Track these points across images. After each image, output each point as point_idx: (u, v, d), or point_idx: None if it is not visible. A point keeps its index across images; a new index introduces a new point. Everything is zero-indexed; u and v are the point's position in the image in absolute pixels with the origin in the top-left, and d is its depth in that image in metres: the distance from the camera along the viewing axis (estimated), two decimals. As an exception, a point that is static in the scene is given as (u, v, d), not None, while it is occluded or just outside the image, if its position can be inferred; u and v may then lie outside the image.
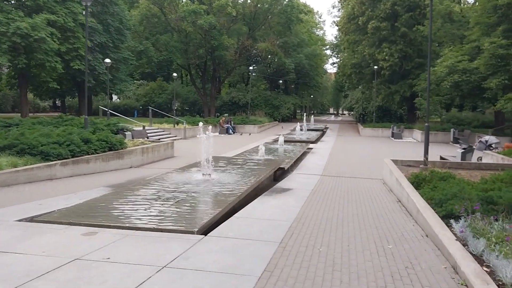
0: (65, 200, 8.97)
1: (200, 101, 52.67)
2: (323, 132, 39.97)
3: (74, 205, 8.12)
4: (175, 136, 29.77)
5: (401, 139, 34.23)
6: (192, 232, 6.39)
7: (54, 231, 6.35)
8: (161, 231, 6.47)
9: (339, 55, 64.98)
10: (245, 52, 50.57)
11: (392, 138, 35.00)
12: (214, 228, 6.90)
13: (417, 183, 10.14)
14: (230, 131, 35.78)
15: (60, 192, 10.31)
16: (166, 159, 19.01)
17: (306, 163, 17.91)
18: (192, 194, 8.82)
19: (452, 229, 6.44)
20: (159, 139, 22.89)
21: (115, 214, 7.36)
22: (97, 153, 14.59)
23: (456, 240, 5.79)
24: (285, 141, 26.02)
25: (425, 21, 35.20)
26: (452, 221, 6.69)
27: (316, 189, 11.49)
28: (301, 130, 33.89)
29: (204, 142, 11.53)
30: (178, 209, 7.59)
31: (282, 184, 12.38)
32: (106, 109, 27.98)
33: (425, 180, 10.11)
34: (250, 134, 35.04)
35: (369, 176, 14.76)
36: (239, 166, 13.58)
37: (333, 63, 78.86)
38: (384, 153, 23.25)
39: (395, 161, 14.31)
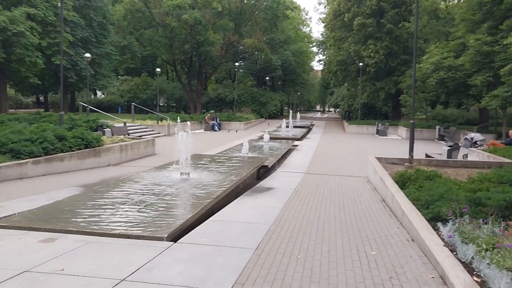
0: (31, 201, 8.42)
1: (186, 98, 51.99)
2: (309, 129, 39.64)
3: (39, 207, 7.59)
4: (159, 133, 29.17)
5: (386, 136, 34.03)
6: (161, 239, 5.92)
7: (9, 238, 5.82)
8: (128, 237, 5.99)
9: (325, 52, 64.71)
10: (232, 48, 50.00)
11: (377, 135, 34.79)
12: (187, 233, 6.44)
13: (402, 182, 9.78)
14: (216, 128, 35.24)
15: (28, 192, 9.75)
16: (146, 156, 18.46)
17: (290, 161, 17.51)
18: (167, 196, 8.33)
19: (440, 233, 6.06)
20: (140, 136, 22.30)
21: (81, 217, 6.85)
22: (72, 151, 14.00)
23: (444, 246, 5.41)
24: (271, 138, 25.60)
25: (411, 17, 34.97)
26: (439, 224, 6.31)
27: (298, 189, 11.07)
28: (287, 127, 33.48)
29: (182, 139, 11.03)
30: (149, 213, 7.10)
31: (264, 183, 11.94)
32: (86, 105, 27.25)
33: (410, 179, 9.75)
34: (236, 131, 34.53)
35: (353, 174, 14.40)
36: (220, 164, 13.12)
37: (320, 60, 78.53)
38: (369, 150, 22.93)
39: (379, 159, 13.96)
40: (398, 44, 39.03)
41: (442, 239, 5.76)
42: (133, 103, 31.89)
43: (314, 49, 79.63)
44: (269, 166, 14.70)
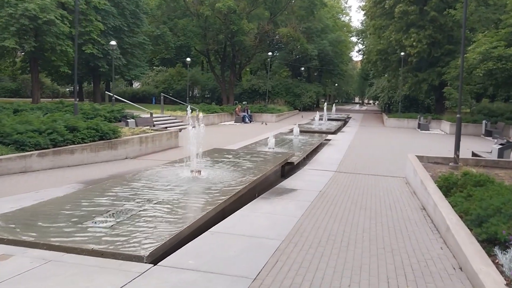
0: (16, 201, 7.46)
1: (219, 89, 51.08)
2: (345, 122, 37.88)
3: (19, 209, 6.60)
4: (187, 125, 28.20)
5: (428, 130, 31.93)
6: (140, 259, 4.77)
7: (-44, 253, 4.82)
8: (102, 255, 4.88)
9: (364, 42, 62.27)
10: (266, 38, 48.57)
11: (418, 130, 32.72)
12: (179, 248, 5.29)
13: (447, 187, 8.28)
14: (247, 119, 34.07)
15: (22, 189, 8.85)
16: (168, 149, 17.49)
17: (320, 157, 16.12)
18: (164, 201, 7.18)
19: (498, 262, 4.64)
20: (166, 127, 21.38)
21: (59, 224, 5.81)
22: (85, 143, 13.12)
23: (507, 286, 4.00)
24: (302, 132, 24.17)
25: (456, 4, 32.55)
26: (496, 250, 4.87)
27: (325, 191, 9.73)
28: (321, 119, 31.91)
29: (193, 133, 9.87)
30: (139, 222, 5.97)
31: (287, 183, 10.66)
32: (111, 95, 26.63)
33: (456, 184, 8.24)
34: (265, 123, 33.21)
35: (390, 173, 12.91)
36: (240, 160, 11.90)
37: (359, 51, 75.89)
38: (409, 146, 21.22)
39: (420, 157, 12.41)
40: (442, 33, 36.55)
41: (502, 273, 4.35)
42: (162, 94, 31.11)
43: (354, 39, 77.17)
44: (295, 163, 13.37)
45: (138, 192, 7.68)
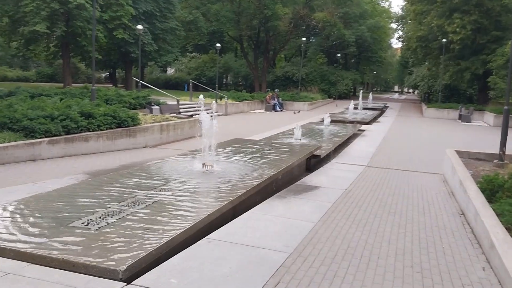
0: (8, 194, 6.86)
1: (252, 76, 50.17)
2: (381, 111, 36.30)
3: (2, 206, 5.96)
4: (216, 112, 27.48)
5: (470, 122, 30.09)
6: (115, 274, 4.00)
7: None
8: (73, 267, 4.15)
9: (404, 28, 59.73)
10: (301, 23, 47.16)
11: (459, 121, 30.91)
12: (170, 258, 4.51)
13: (491, 191, 7.17)
14: (277, 108, 33.08)
15: (20, 179, 8.29)
16: (191, 138, 16.78)
17: (351, 150, 15.04)
18: (168, 198, 6.39)
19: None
20: (191, 115, 20.72)
21: (40, 224, 5.12)
22: (101, 130, 12.55)
23: None
24: (334, 121, 23.04)
25: (506, -13, 30.34)
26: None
27: (351, 189, 8.74)
28: (355, 109, 30.60)
29: (207, 122, 9.05)
30: (130, 225, 5.21)
31: (309, 179, 9.72)
32: (138, 80, 26.20)
33: (503, 187, 7.11)
34: (295, 112, 32.10)
35: (427, 170, 11.77)
36: (260, 152, 11.02)
37: (399, 37, 73.09)
38: (449, 138, 19.82)
39: (460, 153, 11.22)
40: (489, 18, 34.25)
41: None
42: (191, 80, 30.48)
43: (393, 25, 74.37)
44: (322, 156, 12.39)
45: (152, 182, 6.95)
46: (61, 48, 33.14)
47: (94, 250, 4.46)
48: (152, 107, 19.55)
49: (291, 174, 10.63)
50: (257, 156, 10.36)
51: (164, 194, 6.52)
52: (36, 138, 10.56)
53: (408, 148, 16.16)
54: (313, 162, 12.68)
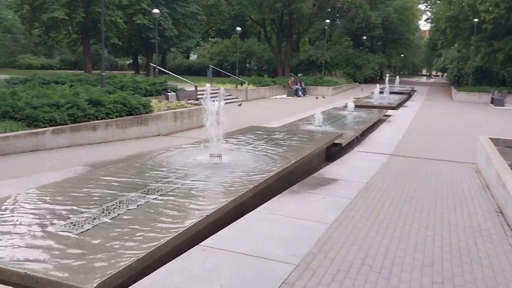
0: (-5, 190, 6.33)
1: (275, 60, 49.12)
2: (408, 95, 34.90)
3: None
4: (236, 98, 26.85)
5: (503, 106, 28.53)
6: (80, 293, 3.35)
7: None
8: (35, 283, 3.51)
9: (433, 9, 57.49)
10: (325, 5, 45.73)
11: (492, 105, 29.36)
12: (159, 268, 3.86)
13: (535, 186, 6.25)
14: (300, 93, 32.10)
15: (16, 172, 7.75)
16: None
17: (375, 137, 14.15)
18: (164, 196, 5.72)
19: None
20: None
21: (18, 227, 4.52)
22: (110, 118, 11.99)
23: None
24: (359, 107, 22.08)
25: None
26: None
27: (373, 182, 7.92)
28: (381, 93, 29.38)
29: (212, 111, 8.32)
30: (117, 230, 4.56)
31: (328, 169, 8.93)
32: (155, 66, 25.65)
33: (548, 181, 6.19)
34: (322, 96, 31.10)
35: (457, 158, 10.82)
36: (276, 141, 10.24)
37: (427, 19, 70.53)
38: (481, 124, 18.65)
39: (495, 140, 10.20)
40: (525, -5, 32.32)
41: None
42: (211, 65, 29.79)
43: (422, 7, 71.74)
44: (343, 145, 11.54)
45: (132, 185, 6.29)
46: (81, 35, 32.85)
47: (66, 261, 3.82)
48: (168, 93, 18.94)
49: (310, 164, 9.87)
50: (272, 146, 9.59)
51: (159, 192, 5.84)
52: (40, 127, 10.06)
53: (437, 134, 15.13)
54: (334, 151, 11.87)
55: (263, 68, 54.52)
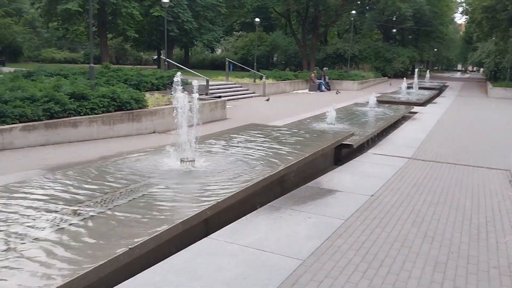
0: None
1: (300, 54, 47.45)
2: (439, 91, 32.73)
3: None
4: (253, 93, 25.51)
5: (545, 103, 26.21)
6: None
7: None
8: None
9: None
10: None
11: (532, 102, 27.06)
12: None
13: None
14: (323, 87, 30.47)
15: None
16: (212, 122, 14.88)
17: (395, 136, 12.60)
18: (105, 211, 4.47)
19: None
20: (219, 97, 18.78)
21: None
22: (95, 113, 10.87)
23: None
24: (383, 102, 20.46)
25: None
26: None
27: (379, 194, 6.48)
28: (410, 88, 27.49)
29: (183, 106, 7.02)
30: (27, 261, 3.34)
31: (329, 177, 7.53)
32: (164, 58, 24.58)
33: None
34: (339, 91, 29.38)
35: (488, 164, 9.22)
36: (274, 142, 8.84)
37: (462, 11, 67.28)
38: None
39: (536, 144, 8.54)
40: None
41: None
42: (227, 59, 28.56)
43: (457, -2, 68.44)
44: (355, 146, 10.05)
45: (105, 185, 5.08)
46: (98, 28, 32.16)
47: None
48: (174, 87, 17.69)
49: (313, 168, 8.48)
50: (266, 148, 8.21)
51: (96, 209, 4.58)
52: (7, 123, 8.98)
53: (466, 135, 13.42)
54: (345, 153, 10.43)
55: (288, 62, 52.89)
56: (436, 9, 52.80)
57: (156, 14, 31.63)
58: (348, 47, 45.93)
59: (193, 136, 6.99)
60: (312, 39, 45.98)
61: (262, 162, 7.01)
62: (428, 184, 7.33)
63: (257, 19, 32.19)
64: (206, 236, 4.61)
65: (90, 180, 5.74)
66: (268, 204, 5.74)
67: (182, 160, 6.66)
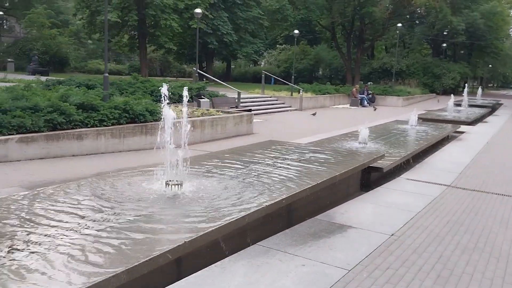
0: None
1: (345, 68, 46.07)
2: (491, 109, 30.47)
3: None
4: (289, 107, 24.52)
5: None
6: None
7: None
8: None
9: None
10: (400, 9, 41.98)
11: None
12: None
13: None
14: (365, 102, 29.01)
15: None
16: (236, 136, 14.02)
17: (435, 159, 11.20)
18: (50, 249, 3.60)
19: None
20: (249, 110, 17.88)
21: None
22: (105, 126, 10.19)
23: None
24: (427, 120, 18.96)
25: None
26: None
27: (402, 234, 5.30)
28: (458, 105, 25.63)
29: (169, 122, 6.07)
30: None
31: (345, 208, 6.41)
32: (195, 69, 24.05)
33: None
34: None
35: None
36: (285, 164, 7.72)
37: (521, 25, 63.70)
38: None
39: None
40: None
41: None
42: (264, 72, 27.78)
43: (514, 12, 64.89)
44: (385, 170, 8.80)
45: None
46: (138, 39, 32.21)
47: None
48: (201, 100, 16.99)
49: (332, 196, 7.34)
50: (276, 169, 7.12)
51: (38, 244, 3.69)
52: (3, 134, 8.40)
53: (520, 159, 11.83)
54: (375, 177, 9.22)
55: (332, 76, 51.58)
56: (491, 23, 50.00)
57: (195, 26, 31.27)
58: (394, 61, 44.17)
59: (184, 154, 6.02)
60: (357, 53, 44.56)
61: (267, 187, 5.94)
62: (466, 221, 6.04)
63: (296, 31, 31.27)
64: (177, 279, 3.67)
65: (50, 204, 4.88)
66: (257, 243, 4.69)
67: (167, 183, 5.71)
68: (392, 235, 5.27)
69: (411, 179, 8.74)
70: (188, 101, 17.59)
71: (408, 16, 48.35)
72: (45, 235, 3.94)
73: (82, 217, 4.48)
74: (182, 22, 30.67)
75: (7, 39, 50.48)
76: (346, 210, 6.24)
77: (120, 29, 30.26)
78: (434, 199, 7.15)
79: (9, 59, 35.06)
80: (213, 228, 4.30)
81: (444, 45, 47.67)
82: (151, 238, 4.02)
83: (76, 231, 4.08)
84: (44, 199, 5.05)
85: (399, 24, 36.37)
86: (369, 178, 9.13)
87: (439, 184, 8.31)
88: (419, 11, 44.90)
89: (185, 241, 3.94)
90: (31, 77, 22.60)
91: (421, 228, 5.63)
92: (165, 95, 5.89)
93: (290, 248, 4.57)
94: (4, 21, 48.82)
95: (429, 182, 8.47)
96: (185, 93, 6.18)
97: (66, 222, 4.31)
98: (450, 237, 5.32)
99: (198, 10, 22.91)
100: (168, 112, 5.89)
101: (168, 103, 6.12)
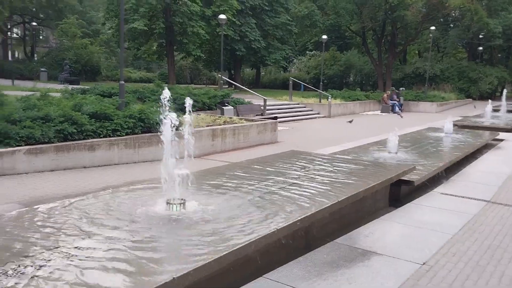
0: None
1: (376, 73, 44.87)
2: (533, 115, 28.86)
3: None
4: (318, 113, 23.79)
5: None
6: None
7: None
8: None
9: None
10: (434, 12, 40.55)
11: None
12: None
13: None
14: (397, 109, 27.94)
15: None
16: (260, 145, 13.45)
17: (473, 170, 10.31)
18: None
19: None
20: (275, 117, 17.28)
21: None
22: (119, 136, 9.79)
23: None
24: (463, 127, 17.93)
25: None
26: None
27: (435, 263, 4.58)
28: (496, 111, 24.28)
29: (169, 137, 5.50)
30: None
31: (371, 228, 5.72)
32: (221, 76, 23.65)
33: None
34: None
35: None
36: (303, 177, 7.06)
37: None
38: None
39: None
40: None
41: None
42: (291, 78, 27.15)
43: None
44: (416, 184, 8.01)
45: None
46: (166, 46, 32.14)
47: None
48: (224, 107, 16.47)
49: (357, 212, 6.68)
50: (291, 185, 6.48)
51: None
52: (11, 146, 8.06)
53: None
54: (405, 190, 8.46)
55: (363, 82, 50.39)
56: (530, 25, 47.91)
57: (223, 33, 31.02)
58: (428, 66, 42.72)
59: (190, 169, 5.48)
60: (389, 58, 43.31)
61: (278, 207, 5.30)
62: (510, 246, 5.24)
63: (324, 36, 30.56)
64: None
65: (35, 226, 4.39)
66: (264, 275, 4.06)
67: (168, 203, 5.16)
68: (424, 263, 4.55)
69: (446, 193, 7.96)
70: (211, 109, 17.01)
71: (442, 19, 46.74)
72: None
73: (48, 248, 3.95)
74: (210, 29, 30.41)
75: (42, 49, 51.69)
76: (371, 232, 5.54)
77: (148, 38, 30.23)
78: (472, 218, 6.36)
79: (42, 69, 35.63)
80: (211, 260, 3.70)
81: (480, 48, 45.86)
82: (134, 273, 3.45)
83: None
84: (26, 221, 4.56)
85: (433, 28, 35.05)
86: (399, 192, 8.37)
87: (477, 199, 7.50)
88: (453, 14, 43.28)
89: (173, 277, 3.36)
90: (61, 86, 22.71)
91: (458, 254, 4.87)
92: (166, 100, 5.31)
93: (302, 282, 3.93)
94: (40, 31, 50.01)
95: (465, 197, 7.66)
96: (188, 101, 5.58)
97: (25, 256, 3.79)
98: (492, 267, 4.56)
99: (222, 16, 22.51)
100: (168, 127, 5.27)
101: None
